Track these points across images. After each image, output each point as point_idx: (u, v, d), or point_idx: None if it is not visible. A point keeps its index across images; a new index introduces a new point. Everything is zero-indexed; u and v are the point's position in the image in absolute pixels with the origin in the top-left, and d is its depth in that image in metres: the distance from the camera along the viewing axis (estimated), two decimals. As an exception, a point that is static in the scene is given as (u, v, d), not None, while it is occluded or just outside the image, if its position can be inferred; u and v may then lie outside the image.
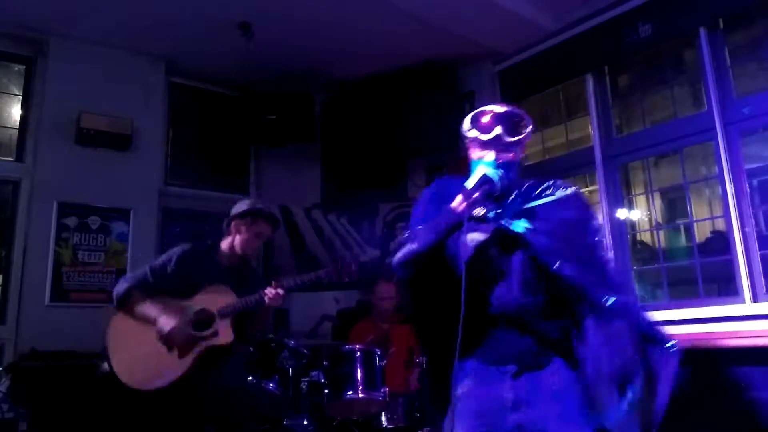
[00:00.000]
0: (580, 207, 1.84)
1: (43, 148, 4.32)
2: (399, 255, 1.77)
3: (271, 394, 3.37)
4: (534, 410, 1.71)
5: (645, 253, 4.34)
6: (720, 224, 3.80)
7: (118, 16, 4.25)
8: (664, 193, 4.42)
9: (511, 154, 1.81)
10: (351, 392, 3.36)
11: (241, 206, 3.06)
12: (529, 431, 1.70)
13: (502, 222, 1.75)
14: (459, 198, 1.72)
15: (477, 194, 1.70)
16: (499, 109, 1.83)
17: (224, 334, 2.84)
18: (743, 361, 3.11)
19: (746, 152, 3.58)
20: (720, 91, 3.63)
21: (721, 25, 3.70)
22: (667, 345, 1.68)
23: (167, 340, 2.83)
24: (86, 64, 4.51)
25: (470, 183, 1.72)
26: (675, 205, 4.51)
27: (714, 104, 3.62)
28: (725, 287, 3.65)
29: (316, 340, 4.99)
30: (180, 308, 2.89)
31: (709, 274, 3.73)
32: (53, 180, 4.28)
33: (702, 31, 3.71)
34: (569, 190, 1.83)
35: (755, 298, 3.35)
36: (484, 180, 1.71)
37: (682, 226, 4.32)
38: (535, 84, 4.72)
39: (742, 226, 3.45)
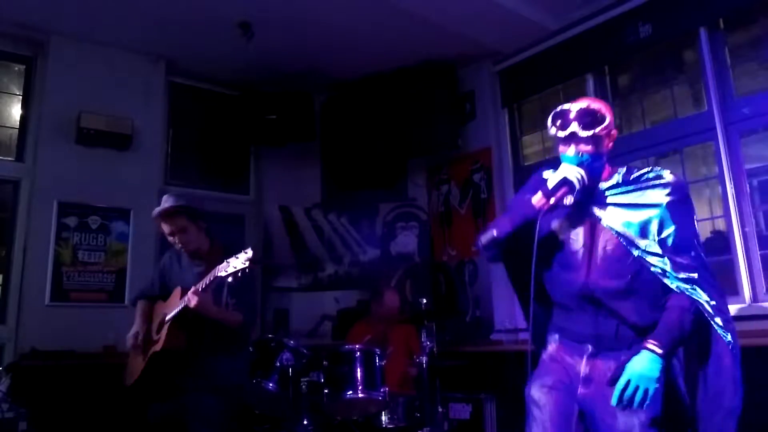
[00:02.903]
0: (676, 193, 1.89)
1: (43, 148, 4.32)
2: (482, 239, 1.91)
3: (271, 394, 3.37)
4: (597, 390, 1.84)
5: (645, 253, 4.33)
6: (720, 224, 3.80)
7: (118, 16, 4.25)
8: (664, 193, 4.41)
9: (589, 147, 1.87)
10: (351, 392, 3.36)
11: None
12: (588, 407, 1.85)
13: (593, 210, 1.90)
14: (539, 195, 1.84)
15: (556, 194, 1.82)
16: (576, 105, 1.90)
17: (161, 340, 2.83)
18: (743, 361, 3.10)
19: (746, 152, 3.58)
20: (720, 91, 3.63)
21: (721, 25, 3.70)
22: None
23: (134, 344, 2.98)
24: (86, 64, 4.51)
25: (551, 182, 1.83)
26: (675, 205, 4.50)
27: (714, 104, 3.62)
28: (725, 287, 3.64)
29: (316, 340, 4.99)
30: (155, 314, 3.02)
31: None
32: (53, 180, 4.28)
33: (702, 31, 3.71)
34: (665, 178, 1.90)
35: (755, 298, 3.35)
36: (563, 182, 1.82)
37: (682, 226, 4.31)
38: (535, 84, 4.72)
39: (742, 226, 3.46)
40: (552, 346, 2.00)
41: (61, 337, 3.96)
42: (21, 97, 4.53)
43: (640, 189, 1.89)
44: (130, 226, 4.49)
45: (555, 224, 1.95)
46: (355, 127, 5.20)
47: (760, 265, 3.38)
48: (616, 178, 1.93)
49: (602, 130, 1.86)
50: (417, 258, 5.31)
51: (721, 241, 3.67)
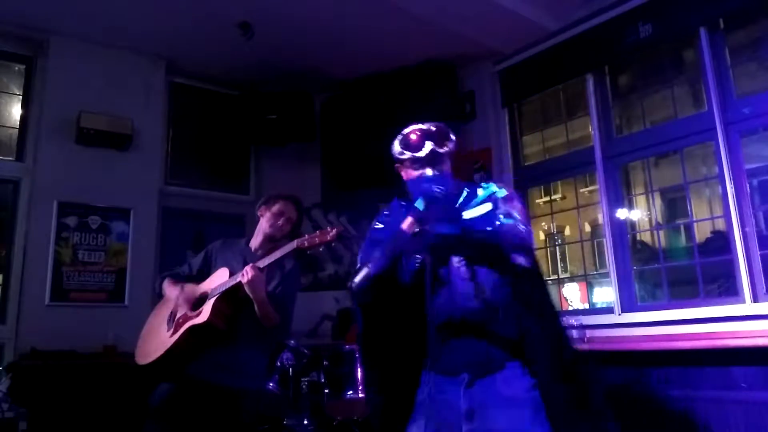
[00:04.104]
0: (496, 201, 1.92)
1: (43, 148, 4.32)
2: (357, 281, 1.73)
3: (271, 394, 3.37)
4: (485, 420, 1.75)
5: (645, 253, 4.34)
6: (720, 224, 3.80)
7: (118, 16, 4.25)
8: (664, 193, 4.42)
9: (445, 166, 1.91)
10: (351, 392, 3.37)
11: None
12: None
13: (433, 229, 1.80)
14: (409, 219, 1.76)
15: (427, 214, 1.76)
16: (423, 126, 1.94)
17: (203, 313, 2.68)
18: (743, 361, 3.11)
19: (746, 152, 3.57)
20: (720, 91, 3.63)
21: (722, 25, 3.70)
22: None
23: (169, 318, 2.86)
24: (86, 64, 4.51)
25: (420, 204, 1.76)
26: (675, 205, 4.52)
27: (714, 104, 3.62)
28: (725, 287, 3.64)
29: (317, 339, 4.99)
30: (192, 290, 2.86)
31: (709, 274, 3.73)
32: (53, 180, 4.28)
33: (702, 31, 3.71)
34: (491, 191, 1.93)
35: (755, 298, 3.35)
36: (431, 199, 1.76)
37: (682, 226, 4.32)
38: (535, 84, 4.72)
39: (742, 226, 3.45)
40: (425, 390, 1.84)
41: (61, 337, 3.96)
42: (21, 97, 4.53)
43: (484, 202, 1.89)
44: (130, 226, 4.49)
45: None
46: (356, 127, 5.19)
47: (760, 265, 3.38)
48: (465, 193, 1.92)
49: (453, 147, 1.90)
50: (417, 258, 5.29)
51: (721, 241, 3.67)
